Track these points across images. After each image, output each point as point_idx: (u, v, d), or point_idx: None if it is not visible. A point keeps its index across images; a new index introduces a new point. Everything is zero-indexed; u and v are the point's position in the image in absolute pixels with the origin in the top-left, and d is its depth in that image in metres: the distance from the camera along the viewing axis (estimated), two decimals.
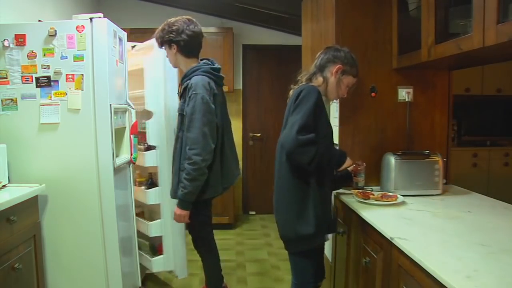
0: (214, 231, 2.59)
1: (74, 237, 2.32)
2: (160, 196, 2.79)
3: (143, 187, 2.91)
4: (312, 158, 1.68)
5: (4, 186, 2.09)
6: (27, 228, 2.05)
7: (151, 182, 2.94)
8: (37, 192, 2.12)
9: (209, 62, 2.37)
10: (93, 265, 2.34)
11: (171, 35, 2.26)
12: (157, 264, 2.87)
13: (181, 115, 2.28)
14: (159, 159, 2.76)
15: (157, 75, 2.72)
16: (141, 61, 2.79)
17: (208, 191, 2.26)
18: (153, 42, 2.51)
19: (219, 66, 2.37)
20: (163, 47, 2.37)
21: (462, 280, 1.09)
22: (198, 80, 2.19)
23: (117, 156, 2.42)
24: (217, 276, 2.60)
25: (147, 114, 2.82)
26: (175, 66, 2.46)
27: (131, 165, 2.73)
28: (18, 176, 2.25)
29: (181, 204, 2.23)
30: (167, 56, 2.41)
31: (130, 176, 2.73)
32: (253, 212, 5.04)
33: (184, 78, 2.31)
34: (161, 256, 2.86)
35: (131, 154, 2.63)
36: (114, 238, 2.35)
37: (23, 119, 2.27)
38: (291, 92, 1.87)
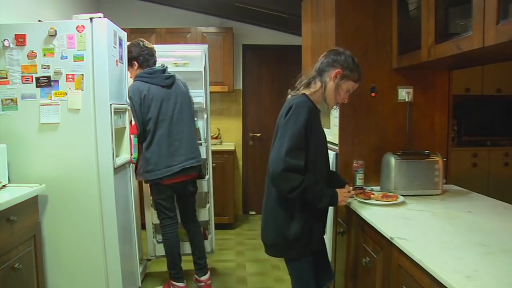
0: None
1: (74, 237, 2.32)
2: (207, 184, 3.29)
3: None
4: (294, 187, 1.61)
5: (4, 186, 2.09)
6: (27, 228, 2.05)
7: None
8: (37, 192, 2.12)
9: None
10: (93, 265, 2.34)
11: (130, 54, 2.69)
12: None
13: None
14: (204, 153, 3.22)
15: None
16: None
17: (143, 175, 2.70)
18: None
19: (156, 69, 2.73)
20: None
21: (462, 280, 1.09)
22: (129, 87, 2.68)
23: (117, 156, 2.43)
24: (170, 268, 2.87)
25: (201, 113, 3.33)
26: None
27: (131, 165, 2.73)
28: (18, 176, 2.25)
29: None
30: (130, 76, 2.78)
31: (130, 176, 2.73)
32: (253, 212, 5.03)
33: None
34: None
35: (131, 154, 2.63)
36: (114, 238, 2.35)
37: (23, 119, 2.27)
38: (288, 97, 1.84)
